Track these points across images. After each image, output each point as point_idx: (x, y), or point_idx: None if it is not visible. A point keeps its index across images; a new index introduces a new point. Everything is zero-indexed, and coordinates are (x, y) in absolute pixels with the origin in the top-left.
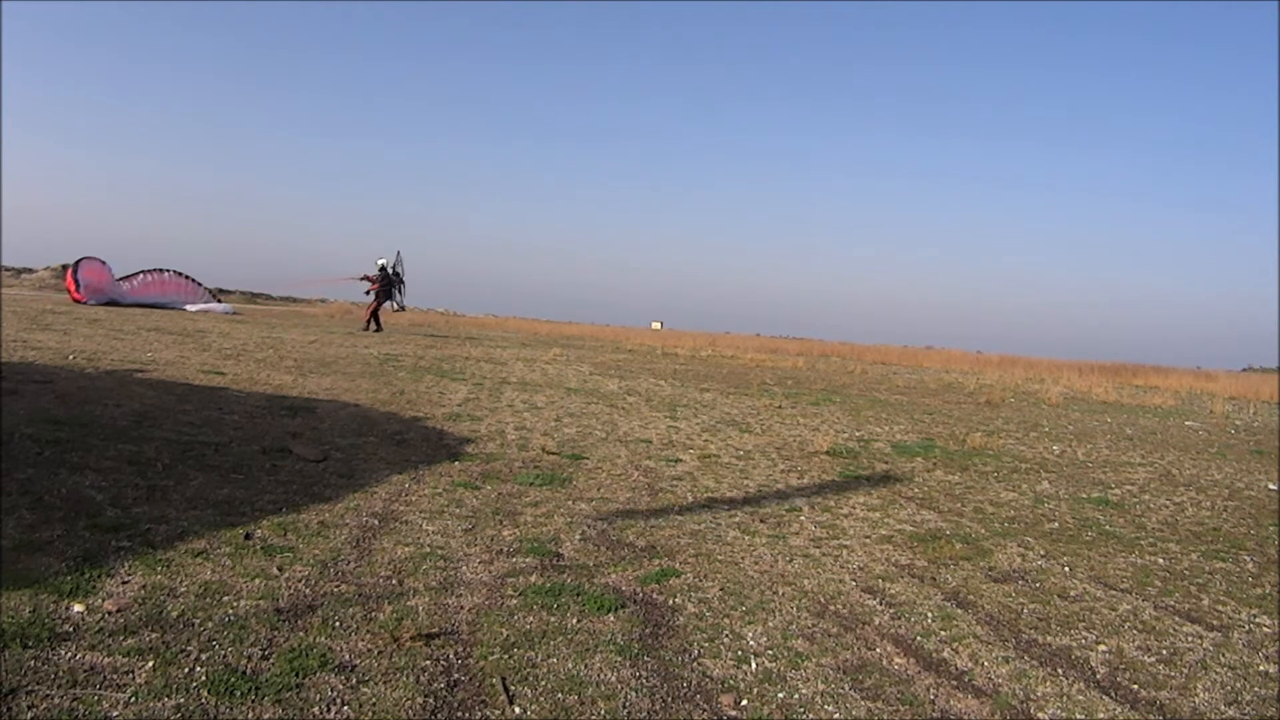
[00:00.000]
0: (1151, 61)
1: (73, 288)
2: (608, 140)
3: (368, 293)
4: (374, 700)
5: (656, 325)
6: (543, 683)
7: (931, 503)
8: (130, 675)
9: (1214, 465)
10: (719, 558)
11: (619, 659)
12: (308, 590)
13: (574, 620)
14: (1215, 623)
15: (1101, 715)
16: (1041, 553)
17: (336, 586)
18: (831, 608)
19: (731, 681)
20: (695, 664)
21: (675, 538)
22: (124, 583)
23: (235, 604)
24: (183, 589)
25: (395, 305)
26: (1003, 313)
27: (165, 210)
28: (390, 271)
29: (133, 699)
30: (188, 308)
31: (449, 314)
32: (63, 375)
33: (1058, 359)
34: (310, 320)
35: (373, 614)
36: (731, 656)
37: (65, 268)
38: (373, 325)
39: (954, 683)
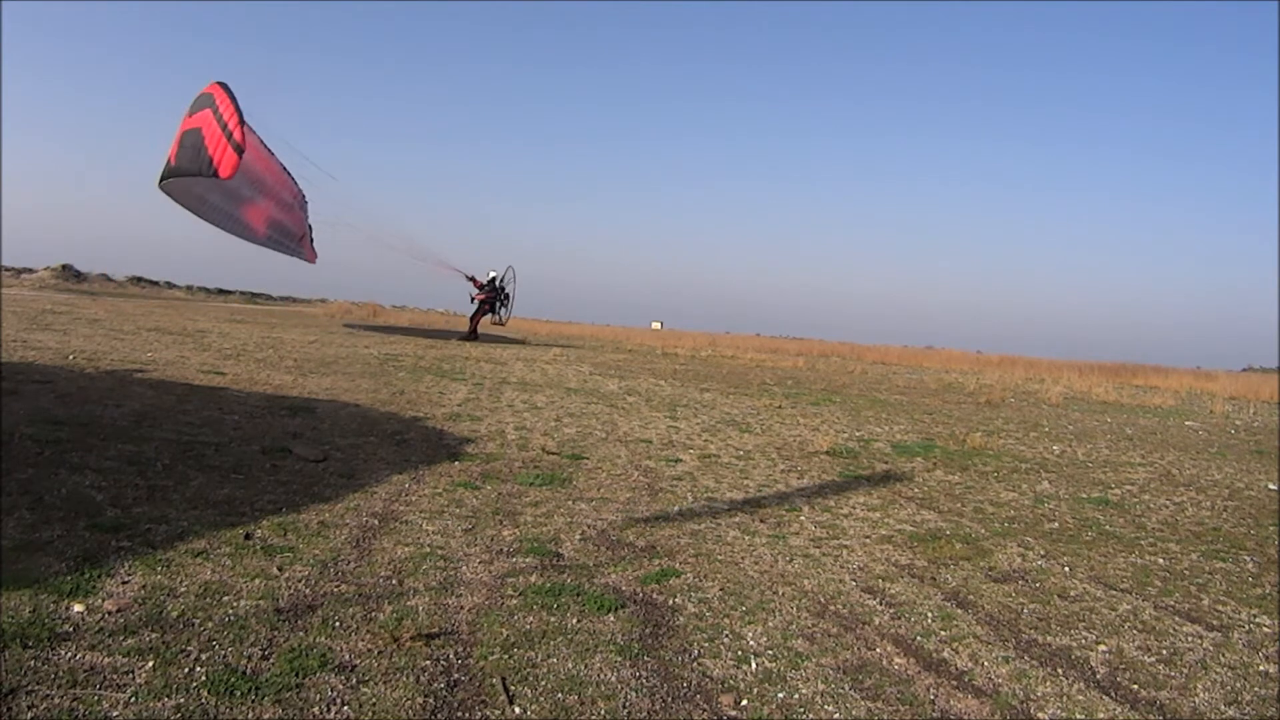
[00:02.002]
0: (1151, 61)
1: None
2: (608, 140)
3: (473, 300)
4: (374, 700)
5: (656, 325)
6: (543, 683)
7: (931, 503)
8: (130, 675)
9: (1214, 465)
10: (719, 558)
11: (619, 659)
12: (308, 590)
13: (574, 620)
14: (1215, 623)
15: (1101, 715)
16: (1041, 553)
17: (336, 586)
18: (831, 608)
19: (731, 681)
20: (695, 664)
21: (675, 538)
22: (124, 583)
23: (235, 604)
24: (183, 589)
25: (496, 318)
26: (1003, 313)
27: (165, 210)
28: (498, 285)
29: (133, 699)
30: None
31: (449, 314)
32: (63, 375)
33: (1058, 359)
34: (310, 320)
35: (373, 614)
36: (731, 656)
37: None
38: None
39: (954, 683)
